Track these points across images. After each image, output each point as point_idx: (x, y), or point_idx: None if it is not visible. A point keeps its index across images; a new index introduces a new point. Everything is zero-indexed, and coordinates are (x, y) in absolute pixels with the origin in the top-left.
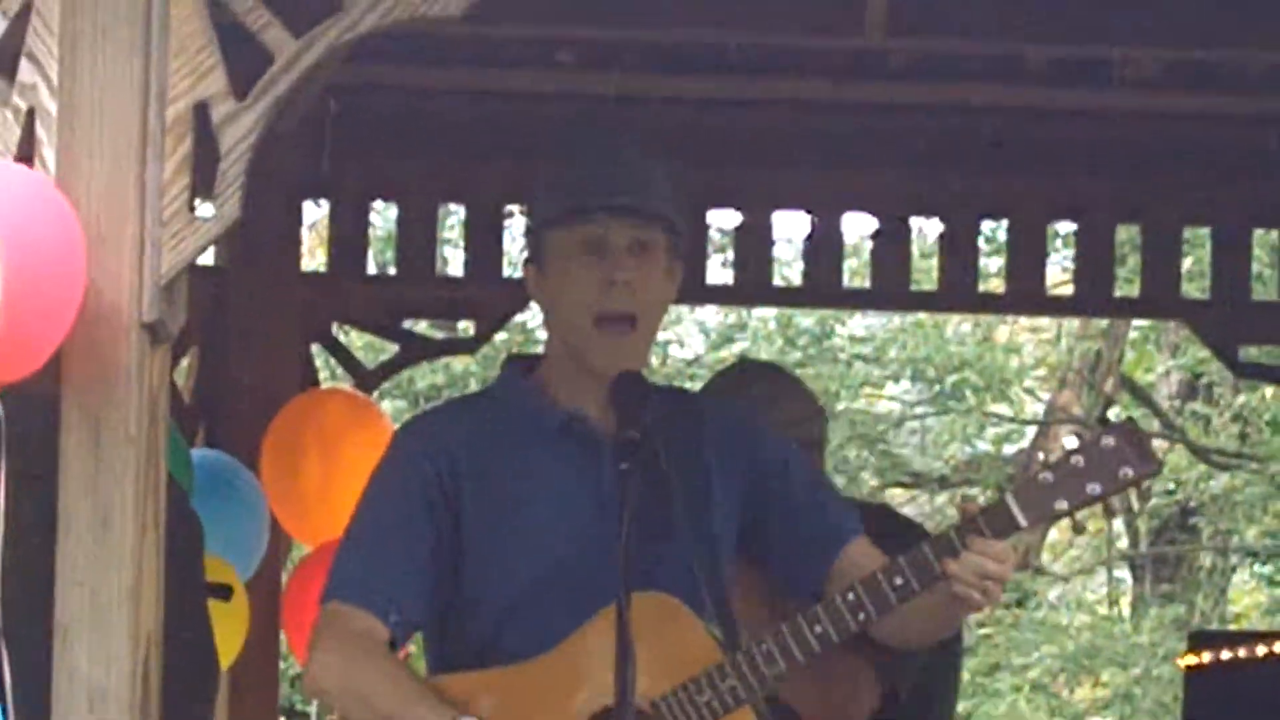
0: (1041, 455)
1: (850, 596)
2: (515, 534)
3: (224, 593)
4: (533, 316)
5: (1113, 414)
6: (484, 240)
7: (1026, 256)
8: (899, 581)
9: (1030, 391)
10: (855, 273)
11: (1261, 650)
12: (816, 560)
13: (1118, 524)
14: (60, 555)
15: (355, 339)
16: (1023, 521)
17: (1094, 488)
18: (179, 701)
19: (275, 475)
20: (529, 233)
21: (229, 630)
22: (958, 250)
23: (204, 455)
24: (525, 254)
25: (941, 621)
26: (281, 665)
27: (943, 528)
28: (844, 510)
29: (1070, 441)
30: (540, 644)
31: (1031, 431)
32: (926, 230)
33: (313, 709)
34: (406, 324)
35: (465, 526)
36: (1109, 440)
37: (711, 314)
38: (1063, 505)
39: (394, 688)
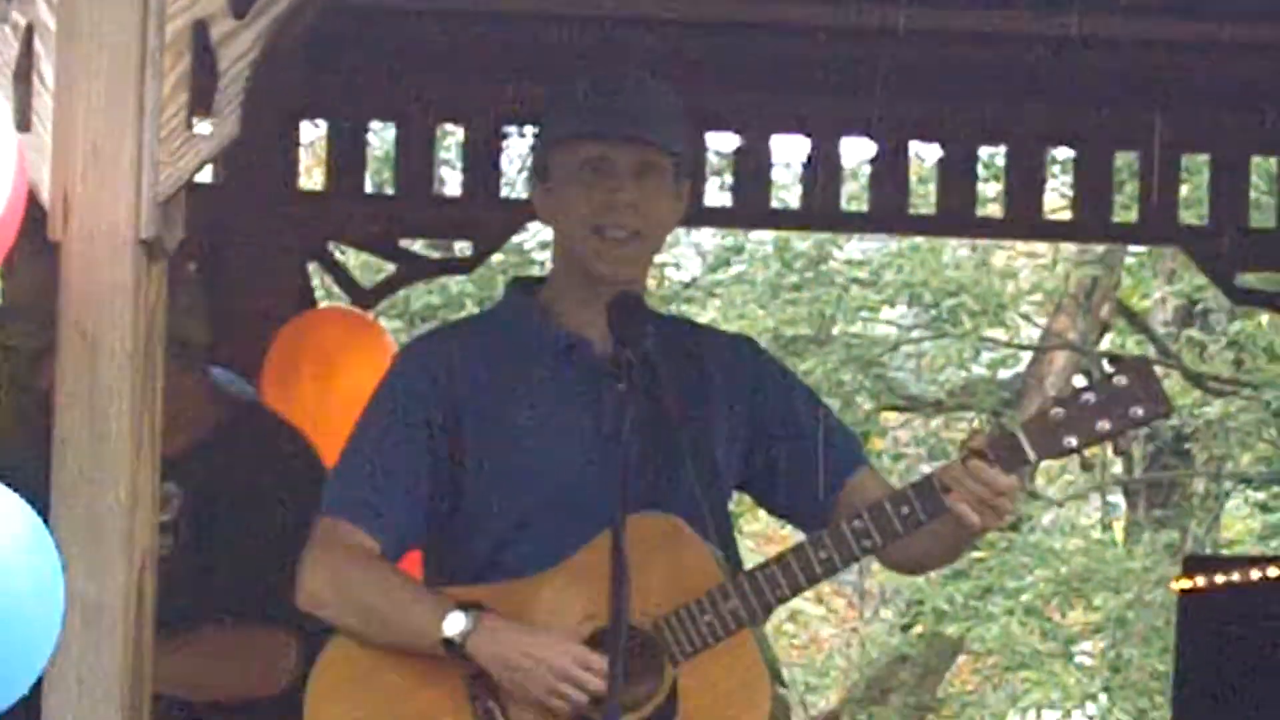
0: (1042, 385)
1: (856, 524)
2: (516, 457)
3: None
4: (530, 238)
5: (1108, 340)
6: (482, 161)
7: (1024, 182)
8: (905, 510)
9: (1026, 317)
10: (853, 197)
11: (1255, 575)
12: (824, 493)
13: (1110, 449)
14: (55, 472)
15: (352, 258)
16: (1032, 456)
17: (1104, 425)
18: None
19: (277, 393)
20: (536, 149)
21: None
22: (956, 175)
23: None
24: (531, 171)
25: (946, 548)
26: None
27: (950, 451)
28: (848, 439)
29: (1081, 379)
30: (540, 565)
31: (1027, 356)
32: (925, 155)
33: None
34: (403, 244)
35: (466, 448)
36: (1121, 378)
37: (708, 237)
38: (1072, 442)
39: (389, 589)
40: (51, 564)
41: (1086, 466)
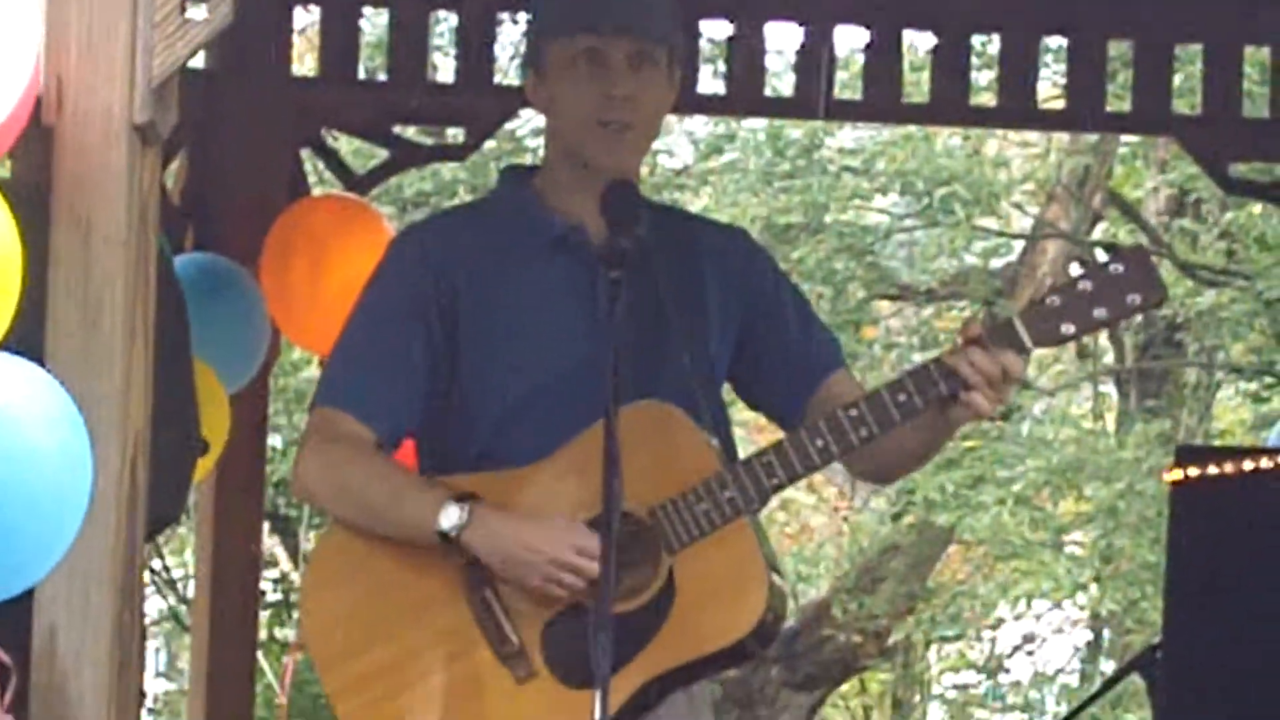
0: (1036, 274)
1: (853, 412)
2: (511, 345)
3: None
4: (522, 125)
5: (1100, 230)
6: (475, 47)
7: (1018, 71)
8: (902, 398)
9: (1018, 205)
10: (846, 85)
11: (1248, 466)
12: (800, 388)
13: (1104, 339)
14: (49, 356)
15: (345, 144)
16: (1029, 343)
17: (1101, 313)
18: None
19: (275, 280)
20: (529, 38)
21: (212, 435)
22: (949, 63)
23: (206, 259)
24: (524, 59)
25: (926, 442)
26: (267, 469)
27: (941, 337)
28: (829, 340)
29: (1078, 267)
30: (535, 454)
31: (1019, 245)
32: (918, 43)
33: (297, 513)
34: (396, 130)
35: (461, 337)
36: (1117, 266)
37: (701, 124)
38: (1069, 329)
39: (381, 480)
40: (81, 439)
41: (1083, 354)
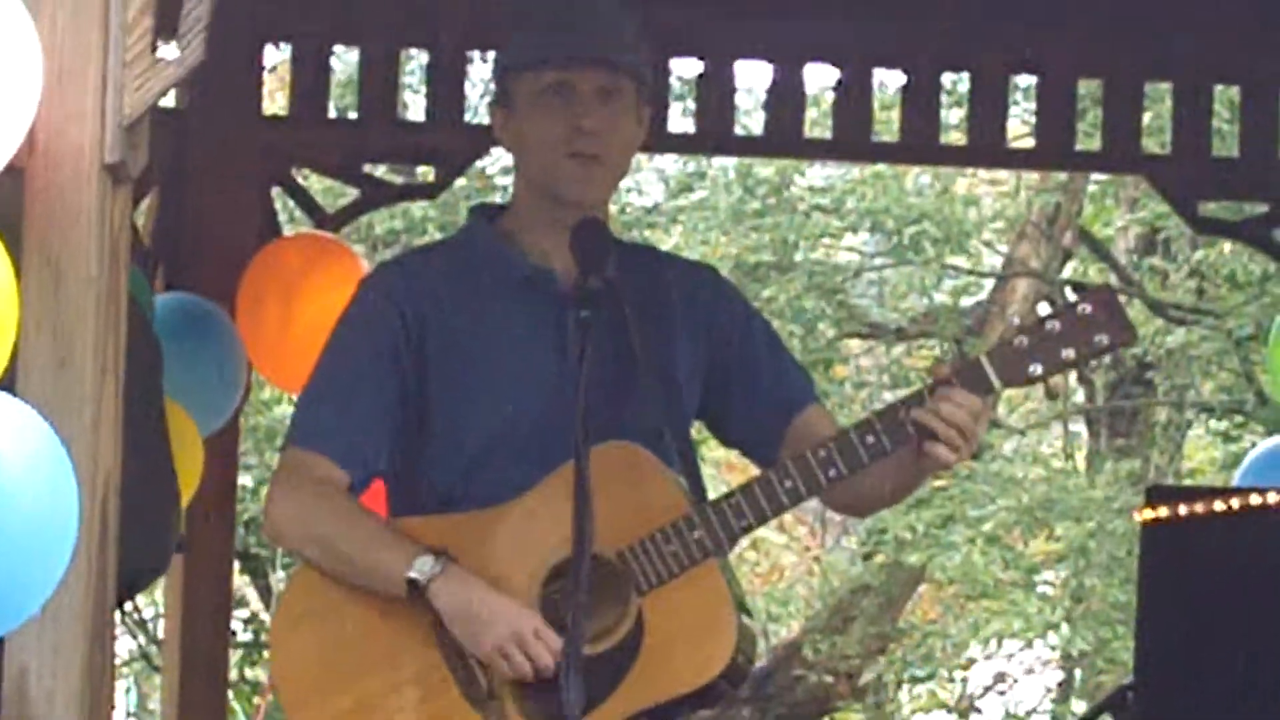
0: (1006, 313)
1: (822, 453)
2: (479, 386)
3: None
4: (492, 163)
5: (1070, 268)
6: (445, 85)
7: (987, 109)
8: (870, 440)
9: (988, 244)
10: (816, 123)
11: (1219, 505)
12: (774, 424)
13: (1074, 378)
14: (19, 395)
15: (315, 182)
16: (996, 384)
17: (1069, 353)
18: (141, 533)
19: (250, 320)
20: (497, 74)
21: (184, 477)
22: (919, 102)
23: (181, 299)
24: (492, 96)
25: (900, 483)
26: (238, 508)
27: (911, 377)
28: (800, 375)
29: (1046, 307)
30: (505, 494)
31: (989, 284)
32: (888, 82)
33: (268, 553)
34: (367, 168)
35: (430, 377)
36: (1085, 306)
37: (671, 162)
38: (1037, 370)
39: (353, 527)
40: (66, 476)
41: (1051, 395)
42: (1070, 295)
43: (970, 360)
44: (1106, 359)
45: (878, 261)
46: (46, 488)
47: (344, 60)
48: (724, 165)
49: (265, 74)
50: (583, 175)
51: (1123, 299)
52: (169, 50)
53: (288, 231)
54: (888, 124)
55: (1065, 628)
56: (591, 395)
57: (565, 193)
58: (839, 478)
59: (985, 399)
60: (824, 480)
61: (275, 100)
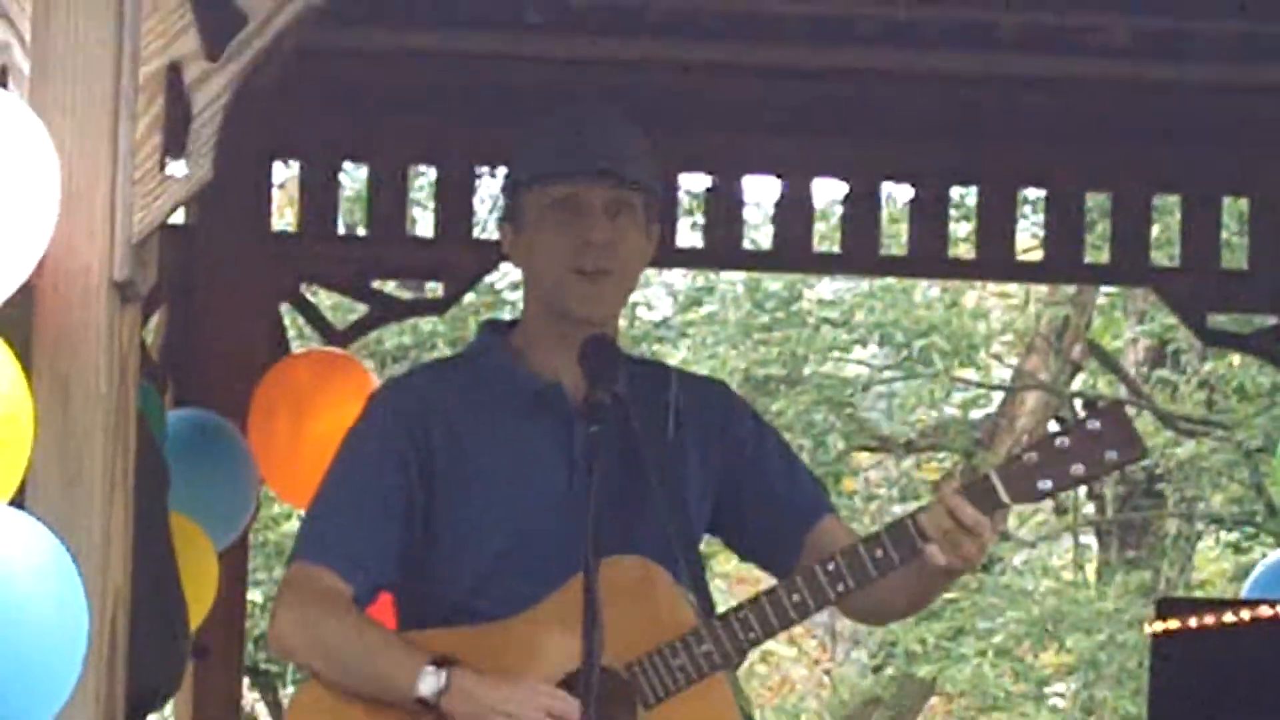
0: (1014, 424)
1: (830, 567)
2: (487, 501)
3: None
4: (501, 278)
5: (1080, 380)
6: (454, 202)
7: (996, 222)
8: (879, 553)
9: (997, 357)
10: (824, 237)
11: (1229, 618)
12: (790, 537)
13: (1084, 490)
14: (29, 511)
15: (324, 299)
16: (1006, 499)
17: (1078, 469)
18: (151, 656)
19: (261, 436)
20: (506, 191)
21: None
22: (927, 215)
23: (194, 415)
24: (501, 213)
25: (914, 596)
26: (248, 624)
27: (920, 489)
28: (815, 486)
29: (1055, 424)
30: (513, 609)
31: (998, 397)
32: (896, 195)
33: (278, 668)
34: (376, 284)
35: (438, 491)
36: (1094, 423)
37: (680, 277)
38: (1046, 485)
39: (359, 639)
40: (75, 591)
41: (1060, 510)
42: (1080, 411)
43: (980, 476)
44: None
45: (887, 374)
46: (55, 603)
47: (353, 177)
48: (733, 279)
49: (274, 190)
50: (591, 292)
51: (1132, 411)
52: (177, 167)
53: (297, 348)
54: (896, 237)
55: None
56: (600, 509)
57: (573, 310)
58: (847, 592)
59: (994, 514)
60: (832, 595)
61: (284, 216)
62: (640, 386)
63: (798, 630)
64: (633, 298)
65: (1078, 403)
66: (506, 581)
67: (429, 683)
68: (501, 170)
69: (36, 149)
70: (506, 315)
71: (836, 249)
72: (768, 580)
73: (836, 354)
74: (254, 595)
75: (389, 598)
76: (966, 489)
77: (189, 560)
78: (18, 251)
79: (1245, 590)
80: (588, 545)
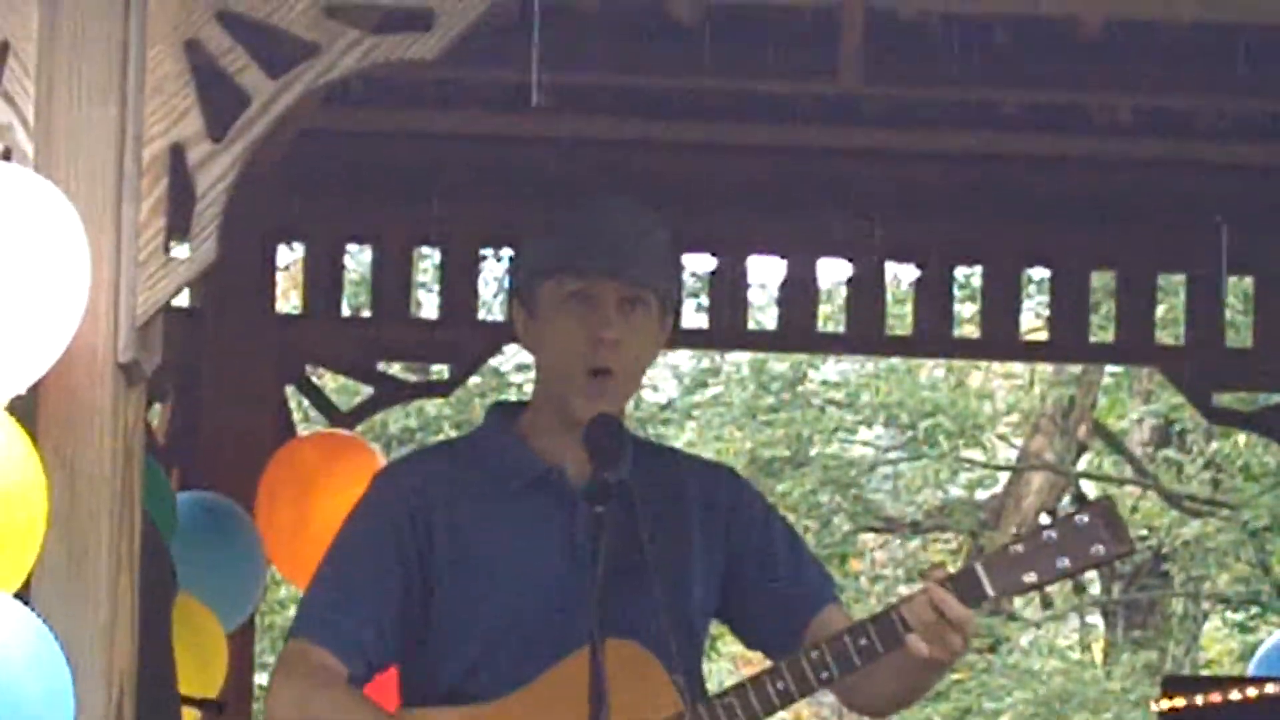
0: (1020, 506)
1: (814, 654)
2: (487, 582)
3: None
4: (506, 360)
5: (1085, 460)
6: (459, 283)
7: (1001, 302)
8: (863, 642)
9: (1003, 437)
10: (829, 317)
11: (1235, 695)
12: (792, 624)
13: (1085, 587)
14: (34, 595)
15: (329, 381)
16: (990, 592)
17: (1064, 563)
18: None
19: (268, 519)
20: (519, 275)
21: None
22: (932, 295)
23: (202, 498)
24: (513, 293)
25: (907, 687)
26: (255, 706)
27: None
28: (820, 574)
29: (1046, 517)
30: (510, 687)
31: (1004, 477)
32: (901, 276)
33: None
34: (380, 366)
35: (437, 572)
36: (1083, 517)
37: (685, 358)
38: (1031, 578)
39: (351, 717)
40: (62, 677)
41: (1046, 604)
42: (1068, 506)
43: (965, 568)
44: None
45: (892, 455)
46: (42, 692)
47: (357, 259)
48: (738, 360)
49: (278, 273)
50: (597, 394)
51: (1138, 491)
52: (181, 249)
53: (302, 430)
54: (901, 317)
55: None
56: (605, 589)
57: (577, 411)
58: (830, 680)
59: (977, 607)
60: (815, 682)
61: (289, 299)
62: (647, 470)
63: (804, 710)
64: None
65: (1083, 483)
66: (504, 661)
67: None
68: (506, 252)
69: (68, 234)
70: (512, 397)
71: (842, 329)
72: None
73: (842, 435)
74: (261, 678)
75: (391, 676)
76: (951, 580)
77: (199, 642)
78: (50, 335)
79: (1250, 668)
80: (593, 624)
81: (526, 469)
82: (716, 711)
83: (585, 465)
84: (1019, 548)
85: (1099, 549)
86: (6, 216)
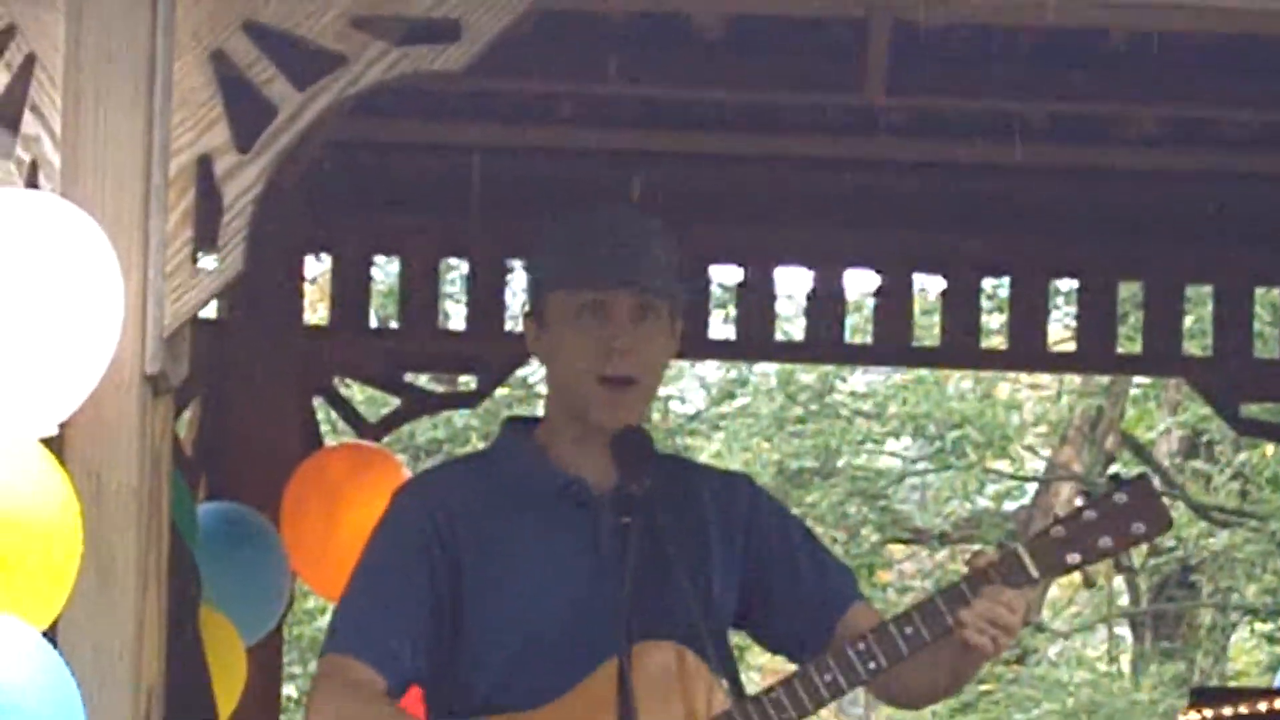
0: (1055, 509)
1: (861, 645)
2: (514, 594)
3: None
4: (534, 371)
5: (1113, 471)
6: (486, 295)
7: (1028, 313)
8: (909, 630)
9: (1031, 448)
10: (857, 329)
11: (1263, 706)
12: (821, 626)
13: (1118, 580)
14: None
15: (357, 392)
16: (1034, 573)
17: (1106, 542)
18: None
19: (294, 530)
20: (531, 287)
21: (227, 685)
22: (959, 307)
23: (227, 508)
24: (525, 307)
25: (951, 674)
26: (283, 718)
27: (954, 578)
28: (843, 574)
29: (1082, 498)
30: (542, 698)
31: (1032, 488)
32: (928, 287)
33: None
34: (408, 377)
35: (464, 585)
36: (1122, 495)
37: (712, 369)
38: (1075, 558)
39: None
40: (73, 701)
41: (1089, 584)
42: (1106, 484)
43: (1009, 551)
44: (1150, 559)
45: (920, 466)
46: (51, 713)
47: (385, 270)
48: (765, 372)
49: (306, 285)
50: (613, 402)
51: (1166, 502)
52: (209, 261)
53: (329, 441)
54: (929, 329)
55: None
56: (633, 597)
57: (595, 419)
58: (879, 670)
59: (1023, 590)
60: (863, 673)
61: (316, 311)
62: (665, 481)
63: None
64: (665, 391)
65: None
66: (533, 674)
67: None
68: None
69: (102, 268)
70: (540, 408)
71: (869, 340)
72: None
73: (870, 446)
74: (288, 689)
75: (418, 691)
76: (996, 566)
77: (217, 653)
78: (83, 369)
79: (1277, 679)
80: (616, 637)
81: (548, 481)
82: (765, 707)
83: (605, 475)
84: (1060, 529)
85: (1139, 526)
86: (40, 251)
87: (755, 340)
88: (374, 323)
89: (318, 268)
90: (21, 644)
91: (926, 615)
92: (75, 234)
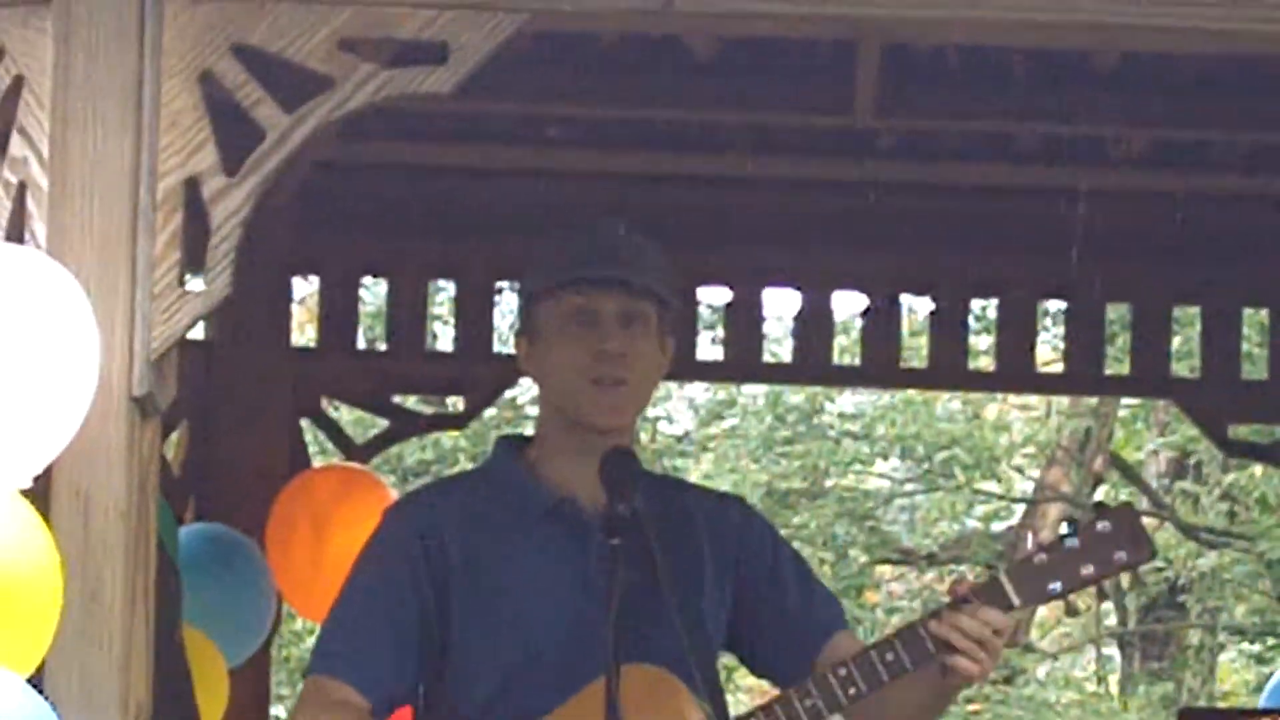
0: (1035, 536)
1: (842, 671)
2: (502, 614)
3: None
4: (522, 392)
5: (1101, 492)
6: (474, 316)
7: (1016, 334)
8: (890, 657)
9: (1019, 469)
10: (845, 350)
11: None
12: (803, 652)
13: (1106, 602)
14: None
15: (345, 414)
16: (1016, 601)
17: (1088, 570)
18: None
19: (280, 551)
20: (521, 304)
21: (209, 706)
22: (947, 328)
23: (210, 530)
24: (516, 327)
25: (929, 702)
26: None
27: (941, 601)
28: (830, 602)
29: (1065, 526)
30: (530, 717)
31: (1020, 509)
32: (917, 308)
33: None
34: (396, 399)
35: (453, 605)
36: (1105, 524)
37: (701, 390)
38: (1056, 586)
39: None
40: None
41: (1071, 612)
42: (1089, 513)
43: (990, 578)
44: (1134, 580)
45: (908, 487)
46: None
47: (372, 292)
48: (754, 393)
49: (294, 306)
50: (606, 401)
51: (1154, 523)
52: (196, 283)
53: (317, 463)
54: (917, 350)
55: None
56: (621, 619)
57: (589, 419)
58: (859, 696)
59: (1006, 615)
60: (843, 699)
61: (304, 332)
62: (657, 502)
63: None
64: (654, 412)
65: (1095, 497)
66: (521, 693)
67: None
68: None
69: (79, 327)
70: (529, 429)
71: (857, 362)
72: None
73: (858, 467)
74: (277, 711)
75: (408, 711)
76: (977, 592)
77: (200, 672)
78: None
79: (1263, 699)
80: (609, 654)
81: (539, 500)
82: None
83: (596, 494)
84: (1043, 556)
85: (1121, 555)
86: (18, 309)
87: (743, 361)
88: (362, 344)
89: (305, 289)
90: (4, 691)
91: (907, 642)
92: (51, 293)
